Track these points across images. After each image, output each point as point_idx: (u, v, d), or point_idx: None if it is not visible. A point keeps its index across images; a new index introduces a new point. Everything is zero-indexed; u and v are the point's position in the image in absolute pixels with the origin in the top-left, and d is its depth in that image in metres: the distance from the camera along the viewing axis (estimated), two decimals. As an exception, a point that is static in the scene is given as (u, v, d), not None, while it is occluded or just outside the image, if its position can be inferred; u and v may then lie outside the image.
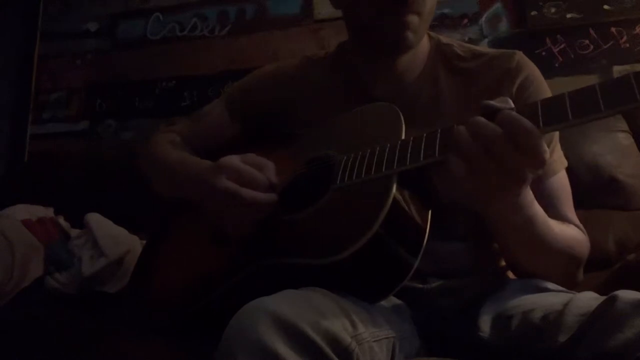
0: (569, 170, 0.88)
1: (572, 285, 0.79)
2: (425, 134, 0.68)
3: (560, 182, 0.86)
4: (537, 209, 0.72)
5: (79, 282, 1.25)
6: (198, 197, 0.83)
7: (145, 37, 2.09)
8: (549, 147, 0.83)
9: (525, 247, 0.76)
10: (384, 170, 0.69)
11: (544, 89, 0.87)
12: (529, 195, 0.69)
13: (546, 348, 0.63)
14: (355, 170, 0.73)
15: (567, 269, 0.80)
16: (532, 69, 0.88)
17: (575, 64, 1.64)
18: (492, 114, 0.61)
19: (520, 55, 0.89)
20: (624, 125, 1.36)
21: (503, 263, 0.89)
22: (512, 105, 0.62)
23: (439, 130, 0.67)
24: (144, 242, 1.05)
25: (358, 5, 0.84)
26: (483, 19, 1.75)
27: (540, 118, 0.58)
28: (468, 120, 0.62)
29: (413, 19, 0.81)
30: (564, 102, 0.58)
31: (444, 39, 0.94)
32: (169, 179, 0.93)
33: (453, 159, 0.62)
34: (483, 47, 0.96)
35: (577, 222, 0.85)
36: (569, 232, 0.80)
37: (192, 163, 0.89)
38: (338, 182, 0.75)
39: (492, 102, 0.63)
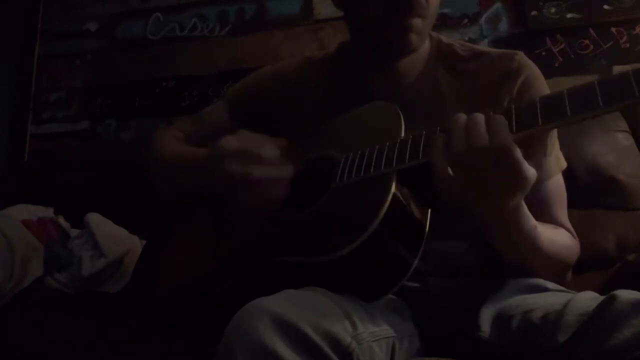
0: (569, 170, 0.88)
1: (560, 285, 0.79)
2: (424, 133, 0.69)
3: (556, 185, 0.86)
4: (523, 210, 0.72)
5: (79, 282, 1.25)
6: (207, 189, 0.82)
7: (145, 37, 2.09)
8: (546, 149, 0.83)
9: (511, 246, 0.76)
10: (383, 168, 0.69)
11: (545, 89, 0.87)
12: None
13: (546, 348, 0.63)
14: (355, 169, 0.73)
15: (555, 271, 0.81)
16: (532, 70, 0.88)
17: (575, 64, 1.63)
18: None
19: (521, 56, 0.88)
20: (624, 125, 1.36)
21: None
22: None
23: (438, 129, 0.67)
24: (144, 242, 1.05)
25: (362, 7, 0.84)
26: (483, 19, 1.75)
27: (539, 115, 0.59)
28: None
29: (417, 22, 0.81)
30: (562, 98, 0.58)
31: (445, 38, 0.94)
32: (173, 173, 0.93)
33: (439, 161, 0.64)
34: (485, 47, 0.95)
35: (569, 226, 0.86)
36: (557, 236, 0.81)
37: (190, 154, 0.89)
38: (337, 181, 0.75)
39: None
